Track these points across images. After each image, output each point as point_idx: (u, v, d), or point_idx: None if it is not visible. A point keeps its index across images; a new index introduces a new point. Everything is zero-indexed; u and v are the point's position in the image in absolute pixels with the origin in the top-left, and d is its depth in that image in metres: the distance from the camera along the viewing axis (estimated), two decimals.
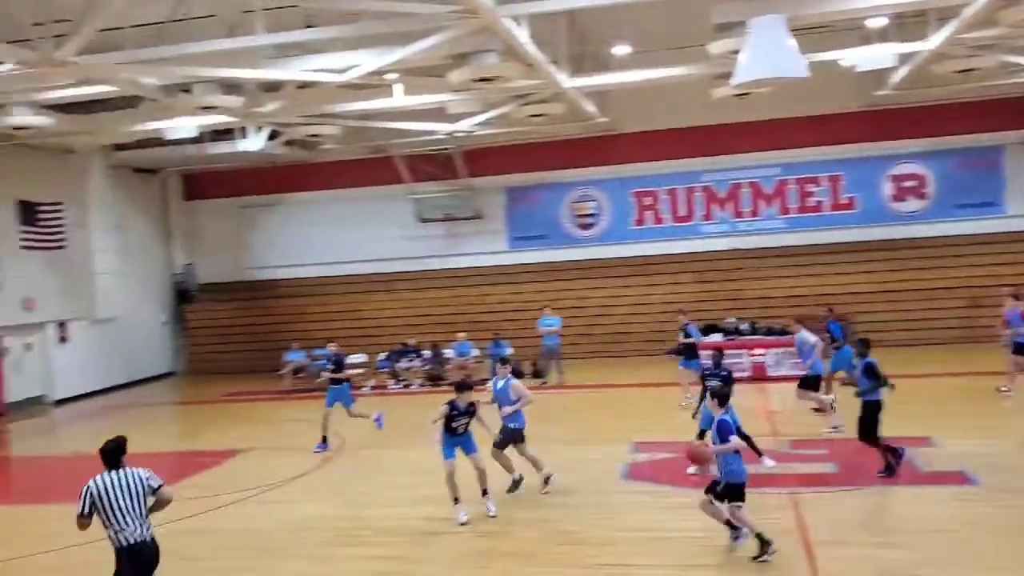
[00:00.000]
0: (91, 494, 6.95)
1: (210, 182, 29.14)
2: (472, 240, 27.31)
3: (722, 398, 9.24)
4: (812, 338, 14.82)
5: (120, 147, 25.37)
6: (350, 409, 15.52)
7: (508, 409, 11.72)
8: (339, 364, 15.73)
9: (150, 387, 25.98)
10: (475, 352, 22.37)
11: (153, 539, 7.06)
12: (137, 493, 7.01)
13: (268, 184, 28.42)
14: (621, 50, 19.48)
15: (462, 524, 10.47)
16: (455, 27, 13.19)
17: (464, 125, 22.14)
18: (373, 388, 22.23)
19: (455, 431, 10.89)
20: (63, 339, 24.18)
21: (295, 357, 23.38)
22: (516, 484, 11.71)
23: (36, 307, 23.13)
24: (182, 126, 20.32)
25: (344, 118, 20.93)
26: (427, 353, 22.74)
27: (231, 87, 16.56)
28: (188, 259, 29.60)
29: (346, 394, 15.57)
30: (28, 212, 23.10)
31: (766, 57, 13.18)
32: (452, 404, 10.87)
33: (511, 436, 11.74)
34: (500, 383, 12.01)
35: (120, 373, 25.50)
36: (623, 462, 13.08)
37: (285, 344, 24.08)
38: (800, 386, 14.64)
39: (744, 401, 13.80)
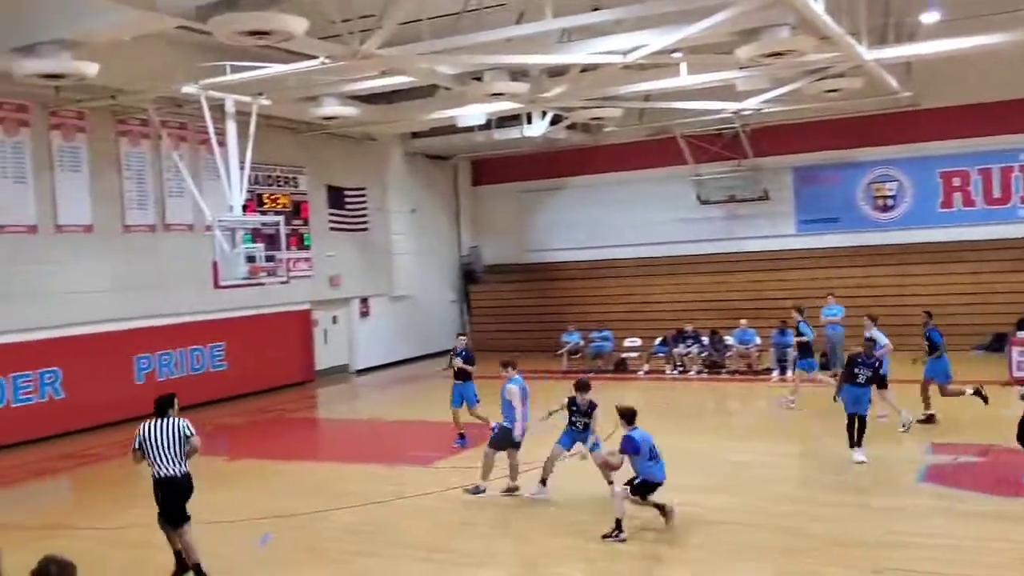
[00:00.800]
0: (140, 436, 8.73)
1: (496, 167, 30.24)
2: (757, 223, 26.37)
3: (628, 417, 9.92)
4: (884, 338, 14.32)
5: (416, 135, 26.98)
6: (473, 409, 14.77)
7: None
8: (469, 359, 15.02)
9: (438, 361, 27.41)
10: (757, 340, 21.56)
11: (185, 475, 8.76)
12: (174, 438, 8.67)
13: (549, 168, 29.01)
14: (930, 18, 17.88)
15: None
16: (744, 2, 12.67)
17: (751, 103, 21.32)
18: (647, 373, 22.11)
19: (576, 426, 11.02)
20: (364, 314, 26.16)
21: (571, 339, 23.72)
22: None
23: (342, 284, 25.12)
24: (472, 113, 21.20)
25: (627, 100, 20.85)
26: (706, 339, 22.23)
27: (518, 74, 17.01)
28: (474, 242, 30.98)
29: (470, 392, 14.83)
30: (336, 196, 25.11)
31: None
32: (571, 400, 11.01)
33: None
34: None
35: (413, 347, 27.15)
36: (920, 463, 12.12)
37: (562, 325, 24.50)
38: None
39: None
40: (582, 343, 23.62)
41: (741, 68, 17.64)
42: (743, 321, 21.83)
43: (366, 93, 19.44)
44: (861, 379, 12.54)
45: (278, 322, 22.78)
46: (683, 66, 17.40)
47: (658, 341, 22.88)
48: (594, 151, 27.84)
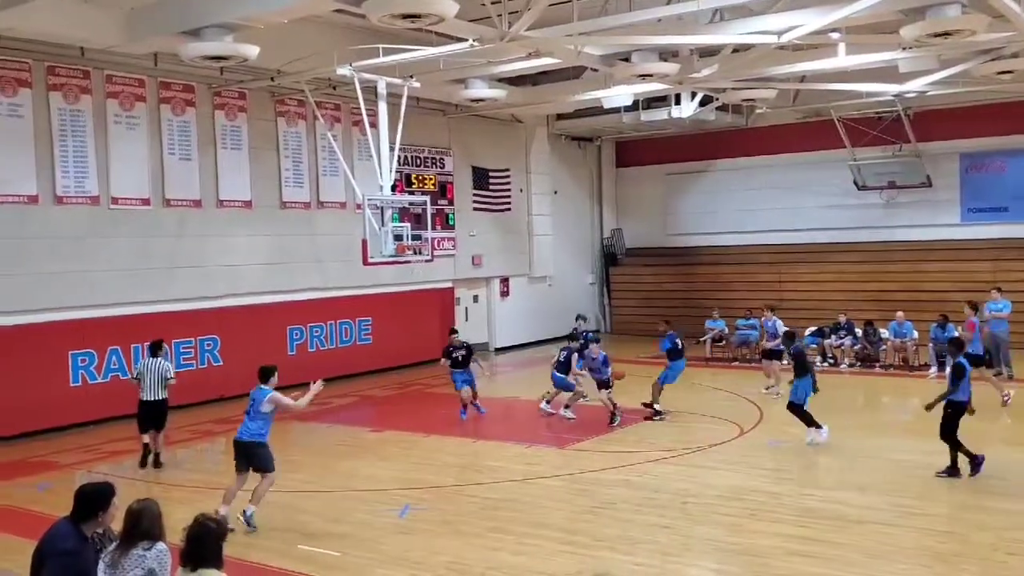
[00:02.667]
0: (137, 367, 13.60)
1: (641, 149, 29.91)
2: (918, 210, 25.12)
3: None
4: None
5: (561, 116, 26.99)
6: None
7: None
8: (469, 351, 16.51)
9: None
10: (915, 334, 20.54)
11: (163, 400, 13.16)
12: (160, 373, 13.11)
13: (696, 150, 28.47)
14: None
15: None
16: None
17: (915, 85, 20.25)
18: None
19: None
20: (504, 294, 26.43)
21: (715, 325, 23.23)
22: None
23: (483, 263, 25.45)
24: (619, 95, 21.00)
25: (781, 81, 20.17)
26: (859, 331, 21.32)
27: (667, 54, 16.71)
28: (616, 224, 30.77)
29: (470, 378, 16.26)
30: (480, 177, 25.42)
31: None
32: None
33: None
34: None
35: (550, 327, 27.21)
36: None
37: (706, 311, 24.00)
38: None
39: None
40: (727, 330, 23.11)
41: (904, 49, 16.75)
42: (900, 313, 20.81)
43: (513, 75, 19.56)
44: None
45: (422, 299, 23.29)
46: (842, 46, 16.67)
47: (809, 331, 22.09)
48: (744, 133, 27.12)
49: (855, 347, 21.09)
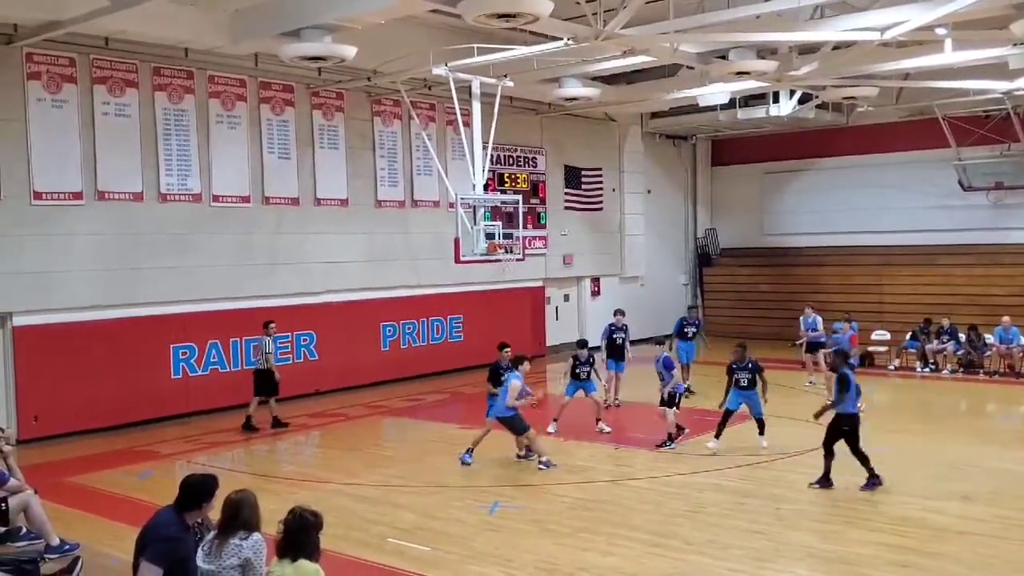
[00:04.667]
0: (255, 342, 16.15)
1: (737, 148, 29.42)
2: None
3: None
4: None
5: (655, 115, 26.74)
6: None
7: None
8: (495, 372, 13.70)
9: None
10: (1022, 340, 19.69)
11: (267, 371, 15.64)
12: (264, 348, 15.73)
13: (794, 149, 27.86)
14: None
15: None
16: None
17: None
18: (896, 369, 20.82)
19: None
20: (595, 293, 26.32)
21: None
22: None
23: (574, 262, 25.38)
24: (715, 92, 20.69)
25: (883, 78, 19.57)
26: (963, 336, 20.55)
27: (765, 51, 16.38)
28: (710, 223, 30.32)
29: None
30: (572, 176, 25.35)
31: None
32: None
33: None
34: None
35: (642, 328, 26.87)
36: None
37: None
38: None
39: None
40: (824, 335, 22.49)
41: (1015, 44, 16.06)
42: (1006, 318, 19.98)
43: (607, 74, 19.45)
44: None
45: (513, 297, 23.36)
46: (948, 42, 16.06)
47: (909, 335, 21.41)
48: (844, 132, 26.41)
49: (958, 352, 20.33)
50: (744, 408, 13.21)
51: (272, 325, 16.01)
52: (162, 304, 16.52)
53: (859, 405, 11.41)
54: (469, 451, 12.72)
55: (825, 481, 11.12)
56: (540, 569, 8.63)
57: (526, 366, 12.89)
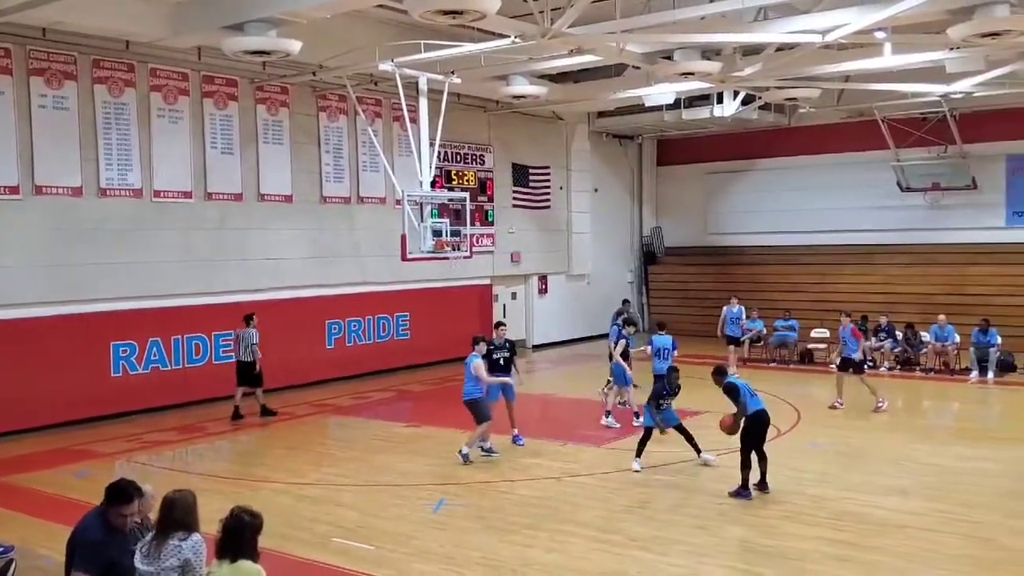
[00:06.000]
0: (235, 334, 16.42)
1: (682, 147, 29.73)
2: (963, 213, 24.71)
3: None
4: None
5: (601, 114, 26.91)
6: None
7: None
8: (512, 351, 14.03)
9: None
10: (956, 338, 20.20)
11: (250, 362, 16.07)
12: (247, 340, 16.12)
13: (738, 149, 28.24)
14: None
15: None
16: None
17: (962, 86, 19.89)
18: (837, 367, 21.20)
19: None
20: (543, 291, 26.40)
21: (754, 326, 23.00)
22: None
23: (522, 260, 25.43)
24: (661, 92, 20.88)
25: (825, 80, 19.93)
26: (900, 334, 21.01)
27: (710, 52, 16.56)
28: (656, 222, 30.61)
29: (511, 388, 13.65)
30: (520, 174, 25.39)
31: None
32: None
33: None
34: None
35: (588, 325, 27.14)
36: None
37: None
38: None
39: None
40: (765, 331, 22.89)
41: (952, 49, 16.48)
42: (942, 317, 20.47)
43: (555, 72, 19.51)
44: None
45: (460, 295, 23.34)
46: (887, 46, 16.42)
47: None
48: (786, 133, 26.85)
49: (895, 350, 20.79)
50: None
51: (254, 317, 16.39)
52: (102, 301, 16.18)
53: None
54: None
55: (757, 486, 10.94)
56: (484, 566, 8.64)
57: (482, 347, 13.04)
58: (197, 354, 17.57)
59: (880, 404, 15.88)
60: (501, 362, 13.75)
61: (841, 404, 16.16)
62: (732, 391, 11.07)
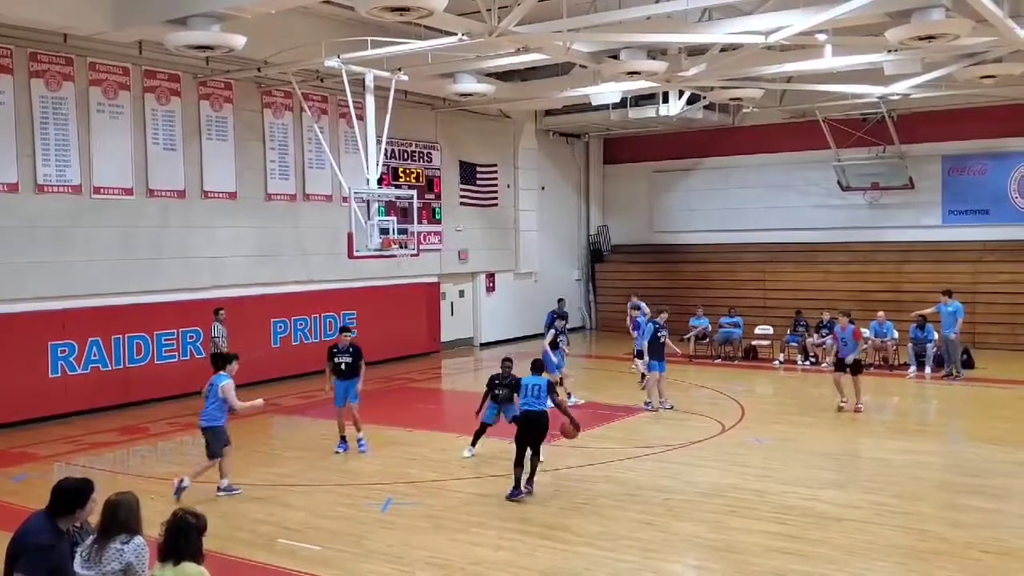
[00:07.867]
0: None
1: (628, 146, 29.95)
2: (901, 212, 25.29)
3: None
4: None
5: (549, 112, 27.00)
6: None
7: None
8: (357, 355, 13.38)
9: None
10: (895, 334, 20.67)
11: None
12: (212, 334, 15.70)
13: (683, 149, 28.53)
14: None
15: None
16: None
17: (900, 87, 20.36)
18: (782, 363, 21.58)
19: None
20: (490, 289, 26.42)
21: (700, 323, 23.30)
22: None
23: (469, 259, 25.42)
24: (607, 92, 21.01)
25: (768, 81, 20.24)
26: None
27: (656, 52, 16.72)
28: (602, 221, 30.82)
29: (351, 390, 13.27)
30: (468, 172, 25.38)
31: None
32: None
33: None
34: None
35: (536, 323, 27.14)
36: None
37: (690, 309, 24.04)
38: None
39: None
40: (710, 328, 23.19)
41: (890, 51, 16.87)
42: (881, 313, 20.89)
43: (502, 70, 19.53)
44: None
45: (407, 293, 23.26)
46: (828, 48, 16.73)
47: (790, 330, 22.27)
48: (731, 132, 27.20)
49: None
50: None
51: (222, 312, 16.73)
52: (39, 300, 15.81)
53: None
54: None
55: (523, 488, 10.77)
56: (432, 565, 8.63)
57: (234, 366, 11.19)
58: (139, 354, 17.24)
59: (860, 406, 15.97)
60: (342, 367, 13.18)
61: (845, 402, 16.09)
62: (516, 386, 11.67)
